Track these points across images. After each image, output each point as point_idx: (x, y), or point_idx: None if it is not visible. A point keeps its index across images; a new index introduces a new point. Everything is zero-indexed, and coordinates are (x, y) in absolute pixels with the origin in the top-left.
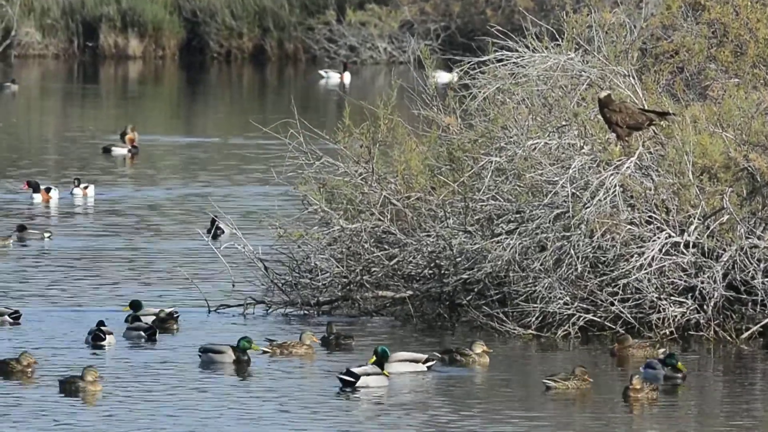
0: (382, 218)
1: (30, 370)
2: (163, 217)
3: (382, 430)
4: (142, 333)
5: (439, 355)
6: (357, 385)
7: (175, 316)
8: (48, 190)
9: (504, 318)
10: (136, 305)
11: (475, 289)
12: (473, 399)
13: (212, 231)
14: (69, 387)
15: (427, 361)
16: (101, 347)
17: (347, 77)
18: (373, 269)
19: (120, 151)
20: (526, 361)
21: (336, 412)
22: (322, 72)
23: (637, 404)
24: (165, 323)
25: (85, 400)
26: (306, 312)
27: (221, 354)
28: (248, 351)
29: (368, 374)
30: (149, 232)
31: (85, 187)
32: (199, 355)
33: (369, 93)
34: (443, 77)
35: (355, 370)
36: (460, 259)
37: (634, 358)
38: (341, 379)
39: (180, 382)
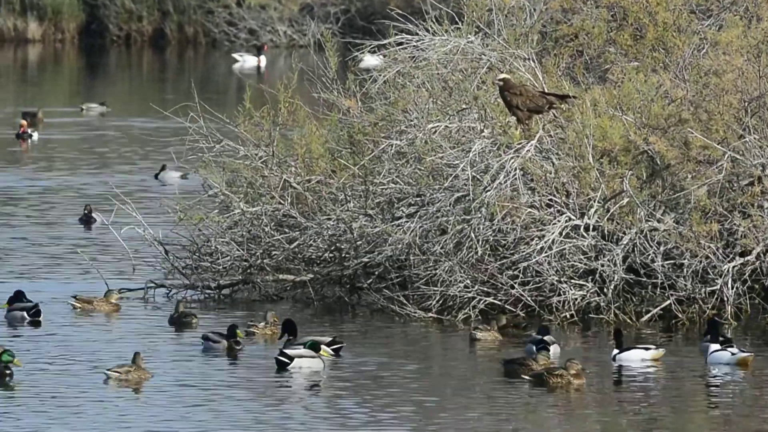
0: (282, 202)
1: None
2: (60, 203)
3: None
4: (26, 314)
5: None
6: (290, 366)
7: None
8: None
9: (404, 301)
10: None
11: (376, 273)
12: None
13: (85, 219)
14: None
15: (333, 342)
16: None
17: (263, 60)
18: (274, 253)
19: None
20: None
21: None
22: (236, 55)
23: (562, 388)
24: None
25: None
26: (207, 296)
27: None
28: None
29: (302, 356)
30: (44, 218)
31: None
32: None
33: (270, 76)
34: (370, 61)
35: (289, 351)
36: (360, 242)
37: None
38: (276, 360)
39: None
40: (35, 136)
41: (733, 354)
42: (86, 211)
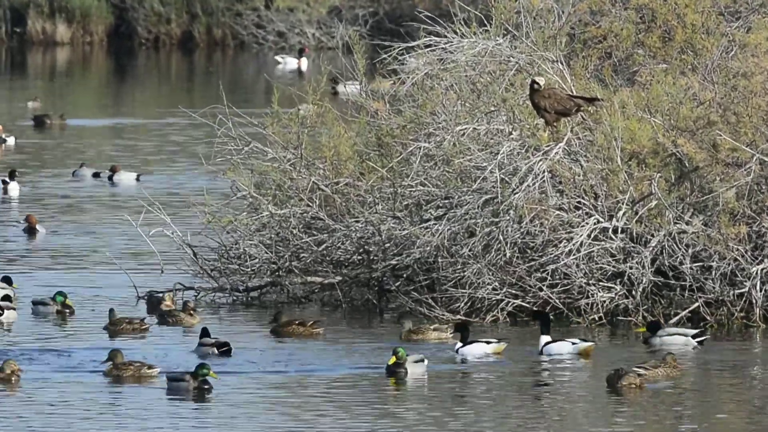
0: (310, 204)
1: (14, 378)
2: (93, 204)
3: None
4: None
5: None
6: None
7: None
8: None
9: (432, 304)
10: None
11: (404, 275)
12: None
13: (28, 230)
14: None
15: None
16: None
17: (304, 63)
18: (302, 255)
19: None
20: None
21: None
22: (278, 57)
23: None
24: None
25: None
26: (235, 298)
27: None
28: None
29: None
30: (73, 220)
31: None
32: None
33: (298, 78)
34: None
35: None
36: (388, 244)
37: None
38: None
39: None
40: (10, 140)
41: (574, 344)
42: (27, 222)
